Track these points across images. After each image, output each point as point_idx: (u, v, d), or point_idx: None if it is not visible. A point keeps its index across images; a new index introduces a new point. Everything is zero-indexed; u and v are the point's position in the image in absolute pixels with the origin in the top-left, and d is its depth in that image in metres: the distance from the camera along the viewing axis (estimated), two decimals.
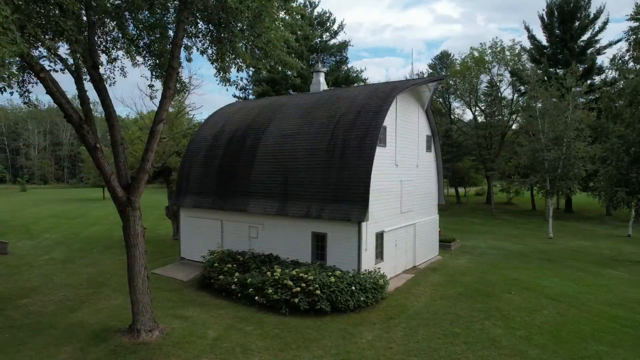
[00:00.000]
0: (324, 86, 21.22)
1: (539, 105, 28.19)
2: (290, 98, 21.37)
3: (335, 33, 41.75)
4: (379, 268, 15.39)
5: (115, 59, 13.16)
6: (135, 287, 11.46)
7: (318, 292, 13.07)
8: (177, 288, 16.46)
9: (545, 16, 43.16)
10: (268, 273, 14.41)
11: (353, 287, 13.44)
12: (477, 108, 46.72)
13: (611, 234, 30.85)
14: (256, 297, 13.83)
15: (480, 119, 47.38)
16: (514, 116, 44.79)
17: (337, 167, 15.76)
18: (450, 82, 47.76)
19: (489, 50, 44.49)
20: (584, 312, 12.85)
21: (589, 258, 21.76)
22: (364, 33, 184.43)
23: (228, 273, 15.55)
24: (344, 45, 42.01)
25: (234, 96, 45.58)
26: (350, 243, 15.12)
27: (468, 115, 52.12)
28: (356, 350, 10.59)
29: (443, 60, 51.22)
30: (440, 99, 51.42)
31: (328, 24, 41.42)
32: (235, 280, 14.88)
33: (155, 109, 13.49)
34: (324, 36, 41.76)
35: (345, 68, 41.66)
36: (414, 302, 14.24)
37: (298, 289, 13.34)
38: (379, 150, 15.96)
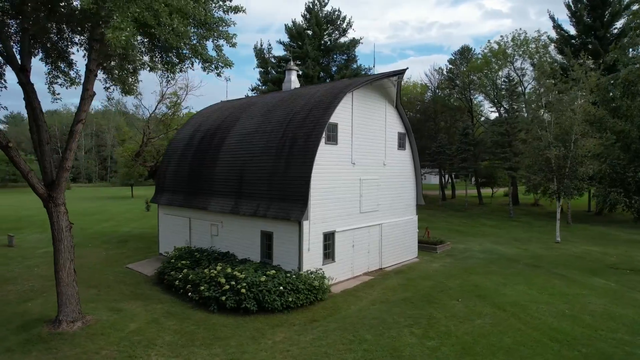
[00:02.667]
0: (295, 84, 21.08)
1: (547, 99, 26.17)
2: (261, 97, 21.43)
3: (344, 31, 41.24)
4: (321, 269, 15.01)
5: (72, 63, 13.90)
6: (60, 279, 11.99)
7: (244, 290, 13.00)
8: (137, 282, 17.02)
9: (572, 3, 39.98)
10: (206, 270, 14.55)
11: (282, 287, 13.24)
12: (500, 104, 44.15)
13: (634, 239, 28.01)
14: (189, 294, 14.02)
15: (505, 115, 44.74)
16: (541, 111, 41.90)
17: (284, 165, 15.60)
18: (474, 77, 45.58)
19: (512, 43, 41.93)
20: (523, 323, 11.77)
21: (585, 265, 19.91)
22: (409, 32, 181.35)
23: (179, 269, 15.87)
24: (354, 42, 41.40)
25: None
26: (292, 242, 14.92)
27: (492, 112, 49.50)
28: (253, 351, 10.43)
29: (464, 54, 48.91)
30: (463, 96, 49.29)
31: (338, 22, 40.99)
32: (180, 276, 15.16)
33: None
34: (334, 35, 41.38)
35: (355, 66, 41.02)
36: (351, 305, 13.77)
37: (228, 286, 13.35)
38: (328, 148, 15.63)
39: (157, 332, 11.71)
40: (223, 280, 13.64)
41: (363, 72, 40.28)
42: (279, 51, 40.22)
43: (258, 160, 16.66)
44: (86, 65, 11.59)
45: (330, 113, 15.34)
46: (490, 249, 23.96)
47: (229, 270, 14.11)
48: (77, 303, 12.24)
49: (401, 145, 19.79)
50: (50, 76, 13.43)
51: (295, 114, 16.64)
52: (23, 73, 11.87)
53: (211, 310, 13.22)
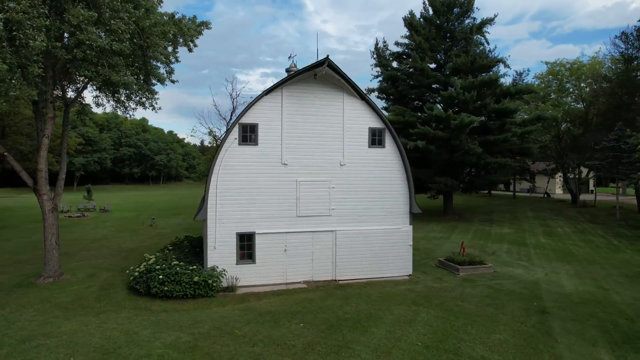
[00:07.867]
0: None
1: None
2: None
3: (466, 12, 35.41)
4: (217, 268, 15.27)
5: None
6: (46, 246, 17.04)
7: (136, 274, 15.10)
8: None
9: None
10: (146, 254, 17.28)
11: (161, 277, 14.56)
12: None
13: None
14: (127, 271, 17.05)
15: None
16: None
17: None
18: None
19: None
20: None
21: None
22: None
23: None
24: (485, 22, 35.12)
25: None
26: (205, 238, 15.87)
27: None
28: (71, 319, 12.34)
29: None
30: (603, 84, 34.11)
31: (464, 4, 35.66)
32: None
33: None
34: (458, 19, 36.20)
35: (476, 51, 34.68)
36: (218, 306, 13.77)
37: (138, 270, 15.70)
38: (244, 149, 15.77)
39: (74, 294, 15.08)
40: (143, 265, 16.06)
41: (486, 57, 33.82)
42: (394, 47, 37.95)
43: None
44: (45, 97, 16.18)
45: (240, 116, 15.43)
46: (546, 280, 17.40)
47: (152, 257, 16.40)
48: (55, 264, 17.06)
49: (377, 142, 17.14)
50: (117, 103, 18.70)
51: None
52: (35, 104, 17.56)
53: (129, 287, 15.86)
